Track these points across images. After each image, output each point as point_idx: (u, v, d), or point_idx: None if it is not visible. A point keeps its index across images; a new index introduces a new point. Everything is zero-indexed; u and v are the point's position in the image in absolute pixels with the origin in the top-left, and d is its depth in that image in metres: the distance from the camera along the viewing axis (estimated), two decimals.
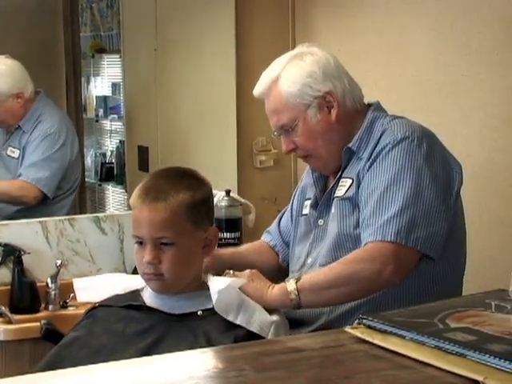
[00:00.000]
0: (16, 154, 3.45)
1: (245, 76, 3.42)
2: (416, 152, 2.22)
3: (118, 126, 3.95)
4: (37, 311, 2.98)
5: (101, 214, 3.35)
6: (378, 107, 2.41)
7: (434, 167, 2.23)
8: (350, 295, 2.20)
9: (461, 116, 2.88)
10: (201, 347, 1.80)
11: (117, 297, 2.13)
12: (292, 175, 3.61)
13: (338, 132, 2.34)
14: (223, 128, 3.60)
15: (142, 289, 2.13)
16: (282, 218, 2.60)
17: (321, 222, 2.38)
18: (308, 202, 2.46)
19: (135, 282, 2.15)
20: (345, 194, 2.30)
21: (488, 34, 2.76)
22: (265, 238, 2.63)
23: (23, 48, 3.59)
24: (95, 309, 2.12)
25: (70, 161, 3.48)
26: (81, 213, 3.57)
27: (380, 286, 2.18)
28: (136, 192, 2.09)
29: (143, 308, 2.08)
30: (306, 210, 2.46)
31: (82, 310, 2.24)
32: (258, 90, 2.40)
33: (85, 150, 3.87)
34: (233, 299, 2.06)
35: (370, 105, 2.41)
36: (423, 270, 2.24)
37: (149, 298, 2.10)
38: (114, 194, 3.96)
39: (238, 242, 3.18)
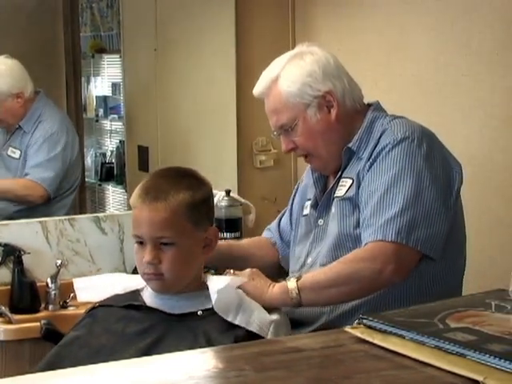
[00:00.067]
0: (17, 154, 3.45)
1: (245, 76, 3.42)
2: (416, 152, 2.22)
3: (118, 125, 3.95)
4: (37, 311, 2.98)
5: (101, 214, 3.35)
6: (377, 107, 2.41)
7: (434, 167, 2.23)
8: (351, 294, 2.20)
9: (461, 116, 2.88)
10: (201, 347, 1.80)
11: (117, 297, 2.13)
12: (292, 175, 3.61)
13: (337, 132, 2.34)
14: (223, 128, 3.60)
15: (142, 289, 2.13)
16: (282, 218, 2.61)
17: (321, 221, 2.38)
18: (308, 203, 2.46)
19: (135, 282, 2.15)
20: (345, 194, 2.30)
21: (488, 33, 2.76)
22: (265, 234, 2.64)
23: (23, 48, 3.58)
24: (95, 309, 2.12)
25: (71, 161, 3.48)
26: (81, 213, 3.57)
27: (380, 285, 2.18)
28: (136, 192, 2.09)
29: (143, 308, 2.08)
30: (306, 211, 2.46)
31: (81, 310, 2.24)
32: (257, 89, 2.40)
33: (85, 149, 3.87)
34: (232, 299, 2.06)
35: (369, 105, 2.41)
36: (423, 270, 2.24)
37: (149, 297, 2.10)
38: (114, 194, 3.96)
39: None
